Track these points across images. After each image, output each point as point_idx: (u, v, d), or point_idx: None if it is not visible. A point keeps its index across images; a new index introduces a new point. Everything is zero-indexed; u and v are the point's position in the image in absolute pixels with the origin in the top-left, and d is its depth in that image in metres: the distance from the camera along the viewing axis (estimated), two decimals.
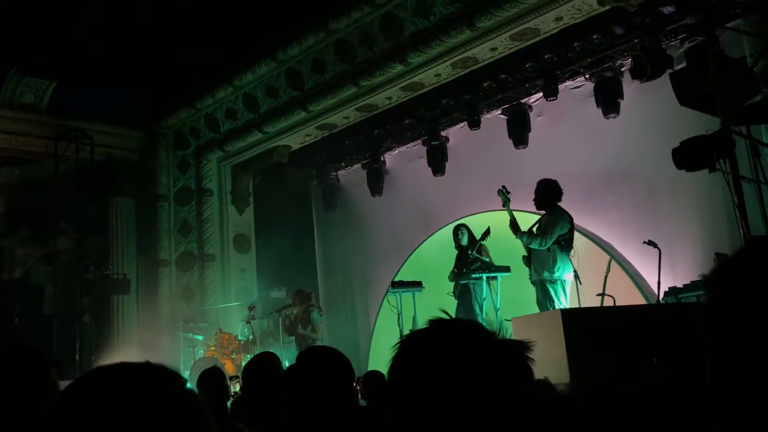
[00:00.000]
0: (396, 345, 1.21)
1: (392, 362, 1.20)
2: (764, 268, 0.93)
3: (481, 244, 8.61)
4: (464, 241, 8.74)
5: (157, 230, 12.15)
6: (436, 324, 1.20)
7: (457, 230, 8.92)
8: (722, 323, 0.95)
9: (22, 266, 11.73)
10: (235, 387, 5.67)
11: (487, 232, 8.64)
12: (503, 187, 7.72)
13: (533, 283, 7.37)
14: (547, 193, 7.37)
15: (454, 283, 8.74)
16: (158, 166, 12.37)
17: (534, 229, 7.38)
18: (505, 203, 7.62)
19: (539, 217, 7.53)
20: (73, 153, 11.44)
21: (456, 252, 9.03)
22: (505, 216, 7.67)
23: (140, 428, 0.82)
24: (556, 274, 7.15)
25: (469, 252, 8.59)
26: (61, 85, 11.32)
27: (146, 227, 12.24)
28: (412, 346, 1.20)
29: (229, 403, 4.36)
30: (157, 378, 0.89)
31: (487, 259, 8.37)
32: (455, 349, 1.13)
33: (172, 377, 0.90)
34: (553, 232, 7.14)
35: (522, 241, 7.30)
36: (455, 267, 8.83)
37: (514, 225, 7.41)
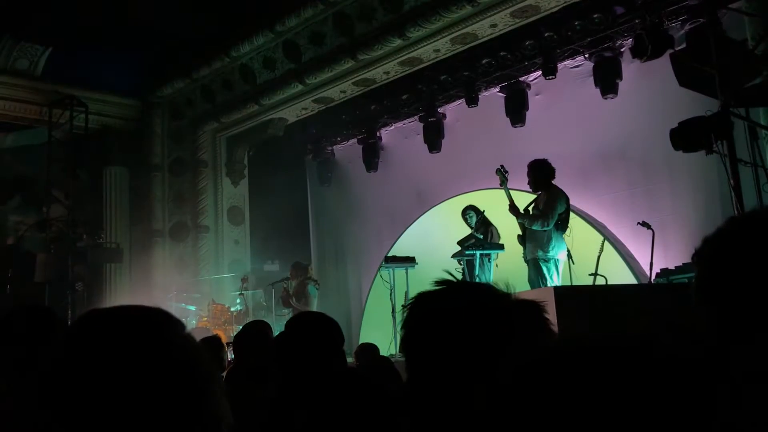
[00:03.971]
0: (409, 304, 1.18)
1: (405, 322, 1.16)
2: (752, 238, 0.95)
3: (490, 225, 8.54)
4: (473, 222, 8.66)
5: (151, 200, 12.11)
6: (448, 284, 1.17)
7: (464, 213, 8.82)
8: (713, 293, 0.96)
9: (15, 233, 11.68)
10: (232, 354, 5.68)
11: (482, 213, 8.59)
12: (501, 166, 7.67)
13: (527, 262, 7.38)
14: (542, 174, 7.35)
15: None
16: (153, 136, 12.31)
17: (531, 209, 7.36)
18: (503, 182, 7.57)
19: (535, 196, 7.51)
20: (68, 120, 11.36)
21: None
22: (499, 194, 7.65)
23: (143, 369, 0.82)
24: (551, 253, 7.16)
25: (475, 234, 8.52)
26: (56, 51, 11.20)
27: (140, 197, 12.20)
28: (429, 304, 1.17)
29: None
30: (160, 320, 0.89)
31: (481, 236, 8.35)
32: (476, 306, 1.11)
33: (174, 320, 0.90)
34: (554, 212, 7.14)
35: (525, 224, 7.28)
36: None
37: (514, 209, 7.38)
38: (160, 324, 0.88)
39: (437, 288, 1.17)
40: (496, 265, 8.30)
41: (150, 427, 0.81)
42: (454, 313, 1.12)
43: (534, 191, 7.51)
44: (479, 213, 8.63)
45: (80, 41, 10.52)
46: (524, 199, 7.64)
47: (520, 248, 7.51)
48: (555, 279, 7.19)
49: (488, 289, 1.18)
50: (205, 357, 0.89)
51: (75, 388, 0.82)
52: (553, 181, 7.35)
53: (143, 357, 0.83)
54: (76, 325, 0.90)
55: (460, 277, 6.92)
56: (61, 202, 11.48)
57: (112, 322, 0.88)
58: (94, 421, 0.80)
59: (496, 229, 8.53)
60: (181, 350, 0.87)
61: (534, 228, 7.18)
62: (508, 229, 8.05)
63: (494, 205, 8.62)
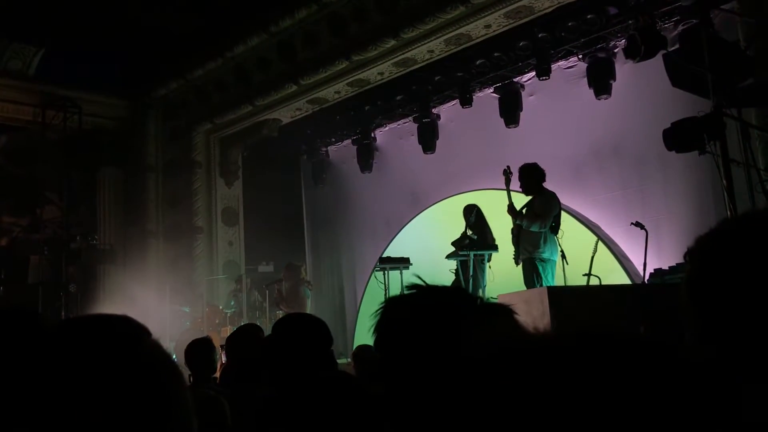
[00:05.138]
0: (378, 310, 1.20)
1: (376, 326, 1.19)
2: (746, 239, 0.94)
3: (486, 225, 8.54)
4: (472, 221, 8.67)
5: (145, 201, 12.08)
6: (417, 288, 1.19)
7: (465, 210, 8.83)
8: (703, 292, 0.95)
9: (8, 235, 11.64)
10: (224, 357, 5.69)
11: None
12: (507, 167, 7.74)
13: (523, 261, 7.43)
14: (534, 178, 7.48)
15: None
16: (147, 137, 12.28)
17: (524, 211, 7.45)
18: (507, 183, 7.65)
19: (528, 199, 7.58)
20: (61, 121, 11.32)
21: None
22: (493, 195, 7.68)
23: (109, 377, 0.81)
24: (546, 254, 7.26)
25: (469, 235, 8.52)
26: (49, 52, 11.17)
27: (134, 198, 12.17)
28: (396, 309, 1.19)
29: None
30: (125, 328, 0.88)
31: (476, 237, 8.35)
32: (440, 309, 1.13)
33: (141, 328, 0.89)
34: (550, 214, 7.28)
35: (522, 225, 7.34)
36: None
37: (512, 210, 7.46)
38: (126, 332, 0.88)
39: (407, 293, 1.19)
40: (489, 267, 8.33)
41: None
42: (420, 315, 1.13)
43: (525, 194, 7.58)
44: (480, 213, 8.64)
45: (74, 42, 10.49)
46: (521, 200, 7.68)
47: (510, 248, 7.57)
48: (550, 279, 7.26)
49: (456, 293, 1.19)
50: (174, 365, 0.89)
51: (41, 397, 0.81)
52: (543, 184, 7.45)
53: (109, 365, 0.82)
54: (45, 338, 0.89)
55: (453, 278, 6.97)
56: (55, 204, 11.45)
57: (77, 332, 0.87)
58: (60, 429, 0.79)
59: (490, 229, 8.56)
60: (148, 358, 0.86)
61: (532, 229, 7.26)
62: (502, 230, 8.09)
63: (488, 206, 8.64)
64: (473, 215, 8.60)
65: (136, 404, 0.82)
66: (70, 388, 0.80)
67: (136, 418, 0.81)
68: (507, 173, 7.67)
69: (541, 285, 6.97)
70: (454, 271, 8.47)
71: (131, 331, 0.88)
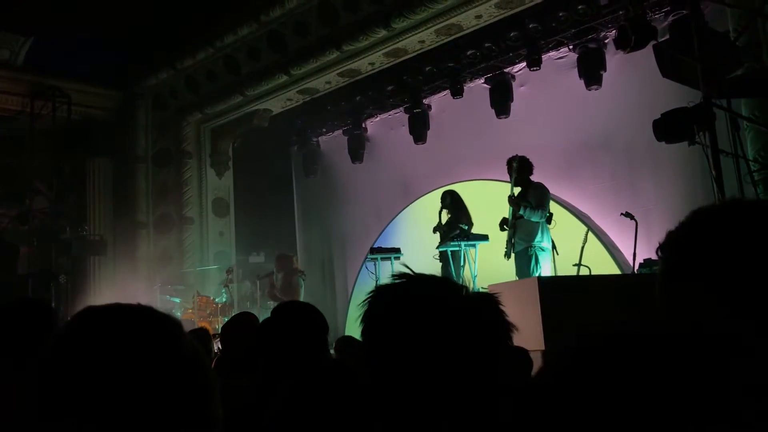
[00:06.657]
0: (366, 299, 1.20)
1: (364, 316, 1.19)
2: (716, 231, 0.95)
3: (459, 210, 8.59)
4: (447, 203, 8.72)
5: (135, 192, 12.04)
6: (405, 277, 1.19)
7: (444, 196, 8.89)
8: (677, 286, 0.96)
9: None
10: (219, 345, 5.68)
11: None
12: (515, 156, 7.81)
13: (517, 252, 7.51)
14: (529, 170, 7.63)
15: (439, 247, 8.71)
16: (137, 127, 12.21)
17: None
18: (511, 174, 7.72)
19: (518, 191, 7.68)
20: (50, 111, 11.24)
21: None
22: (483, 186, 7.74)
23: (156, 366, 0.82)
24: (544, 243, 7.38)
25: (459, 224, 8.55)
26: (37, 41, 11.07)
27: (124, 188, 12.12)
28: (383, 298, 1.19)
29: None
30: (166, 319, 0.89)
31: (466, 227, 8.39)
32: (427, 300, 1.13)
33: (174, 320, 0.90)
34: (547, 204, 7.47)
35: (524, 215, 7.43)
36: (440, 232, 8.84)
37: (513, 200, 7.55)
38: (169, 323, 0.88)
39: (394, 282, 1.19)
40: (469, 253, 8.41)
41: (156, 426, 0.81)
42: (412, 305, 1.13)
43: (516, 185, 7.66)
44: (456, 200, 8.68)
45: (62, 31, 10.40)
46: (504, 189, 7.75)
47: (499, 239, 7.65)
48: (548, 269, 7.39)
49: (444, 282, 1.19)
50: (205, 354, 0.90)
51: (82, 386, 0.81)
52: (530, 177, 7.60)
53: (156, 354, 0.83)
54: (78, 323, 0.88)
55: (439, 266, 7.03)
56: (44, 194, 11.38)
57: (120, 320, 0.87)
58: (101, 419, 0.80)
59: (467, 213, 8.67)
60: (189, 349, 0.87)
61: (533, 219, 7.39)
62: (486, 221, 8.17)
63: (478, 196, 8.67)
64: (448, 200, 8.66)
65: (181, 389, 0.82)
66: (121, 378, 0.81)
67: (180, 403, 0.82)
68: (512, 163, 7.74)
69: (539, 274, 7.10)
70: (437, 258, 8.53)
71: (171, 323, 0.89)
